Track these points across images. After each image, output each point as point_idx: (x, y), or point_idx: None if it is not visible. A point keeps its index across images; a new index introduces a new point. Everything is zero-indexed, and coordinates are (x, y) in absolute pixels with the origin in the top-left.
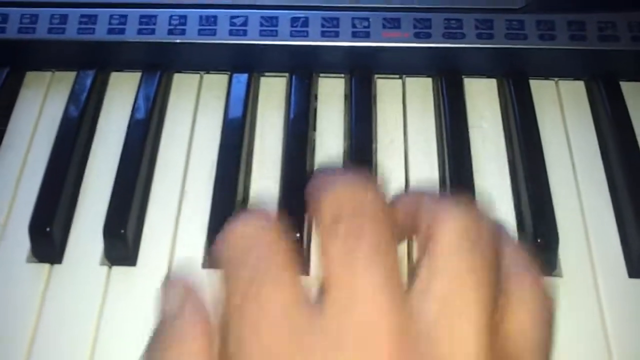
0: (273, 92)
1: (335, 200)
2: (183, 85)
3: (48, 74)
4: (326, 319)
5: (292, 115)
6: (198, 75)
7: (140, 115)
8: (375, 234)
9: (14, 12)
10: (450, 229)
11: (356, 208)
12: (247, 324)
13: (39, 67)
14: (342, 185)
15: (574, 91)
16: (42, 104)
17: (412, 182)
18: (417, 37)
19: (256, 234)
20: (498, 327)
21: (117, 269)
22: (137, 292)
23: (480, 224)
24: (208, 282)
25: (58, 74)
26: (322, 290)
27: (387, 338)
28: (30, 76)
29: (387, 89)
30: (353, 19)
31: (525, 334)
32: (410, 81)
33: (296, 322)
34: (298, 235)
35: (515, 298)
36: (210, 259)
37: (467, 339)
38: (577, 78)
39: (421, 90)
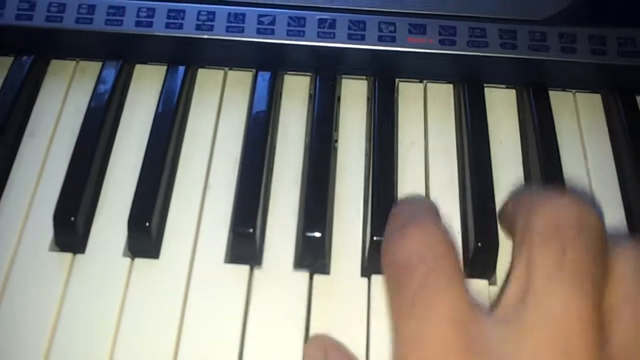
0: (296, 89)
1: (555, 210)
2: (207, 81)
3: (72, 63)
4: (509, 333)
5: (316, 116)
6: (222, 71)
7: (166, 108)
8: (590, 256)
9: (42, 0)
10: (626, 258)
11: (575, 225)
12: (418, 325)
13: (64, 56)
14: (570, 202)
15: (591, 103)
16: (66, 92)
17: (432, 183)
18: (442, 43)
19: (426, 242)
20: None
21: (139, 261)
22: (159, 284)
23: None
24: (230, 276)
25: (82, 63)
26: (512, 293)
27: None
28: (55, 64)
29: (409, 93)
30: (380, 23)
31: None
32: (432, 86)
33: (467, 325)
34: (320, 235)
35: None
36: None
37: None
38: (594, 91)
39: (442, 96)
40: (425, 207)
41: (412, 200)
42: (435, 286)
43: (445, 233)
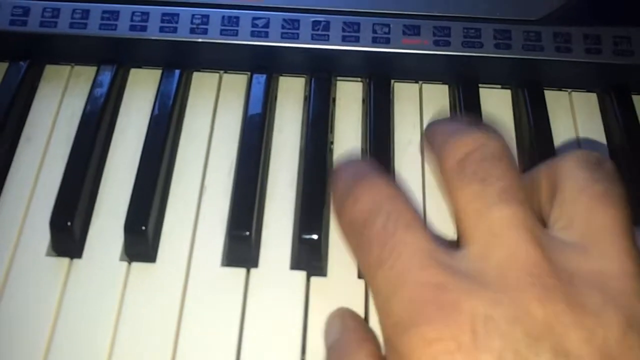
0: (291, 91)
1: (462, 145)
2: (202, 84)
3: (67, 68)
4: (468, 258)
5: (311, 118)
6: (217, 74)
7: (161, 112)
8: (504, 174)
9: (36, 6)
10: (575, 164)
11: (484, 152)
12: (392, 273)
13: (59, 61)
14: (467, 132)
15: (587, 102)
16: (61, 98)
17: (429, 181)
18: (437, 44)
19: (377, 194)
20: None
21: (136, 265)
22: (156, 288)
23: (597, 155)
24: (226, 279)
25: (77, 68)
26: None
27: (535, 268)
28: (50, 69)
29: (404, 93)
30: (374, 24)
31: None
32: (427, 87)
33: (439, 260)
34: (317, 237)
35: None
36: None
37: (619, 253)
38: (590, 90)
39: (438, 96)
40: (368, 164)
41: (353, 160)
42: (397, 230)
43: (394, 184)
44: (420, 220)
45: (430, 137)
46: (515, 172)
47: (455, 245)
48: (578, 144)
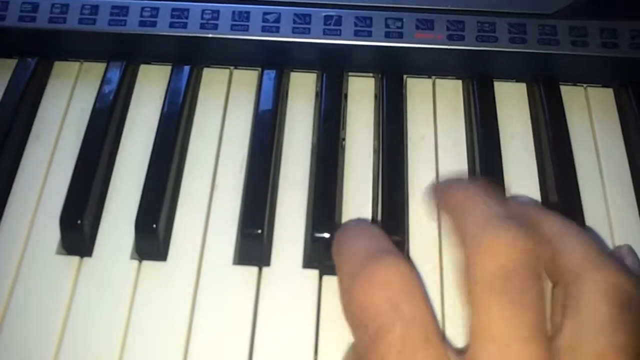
0: (302, 87)
1: (496, 251)
2: (213, 80)
3: (76, 64)
4: None
5: (323, 114)
6: (228, 70)
7: (172, 108)
8: (535, 301)
9: (45, 2)
10: (597, 288)
11: (519, 265)
12: None
13: (68, 57)
14: (502, 227)
15: (603, 98)
16: (71, 94)
17: (442, 177)
18: (450, 39)
19: (397, 288)
20: None
21: (147, 264)
22: (167, 287)
23: (630, 284)
24: (238, 277)
25: (86, 64)
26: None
27: None
28: (59, 66)
29: (417, 89)
30: (386, 19)
31: None
32: (440, 82)
33: None
34: (329, 235)
35: None
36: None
37: None
38: (606, 85)
39: (451, 91)
40: (380, 234)
41: (361, 225)
42: (417, 349)
43: (409, 271)
44: (437, 330)
45: (451, 207)
46: (542, 290)
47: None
48: (594, 139)
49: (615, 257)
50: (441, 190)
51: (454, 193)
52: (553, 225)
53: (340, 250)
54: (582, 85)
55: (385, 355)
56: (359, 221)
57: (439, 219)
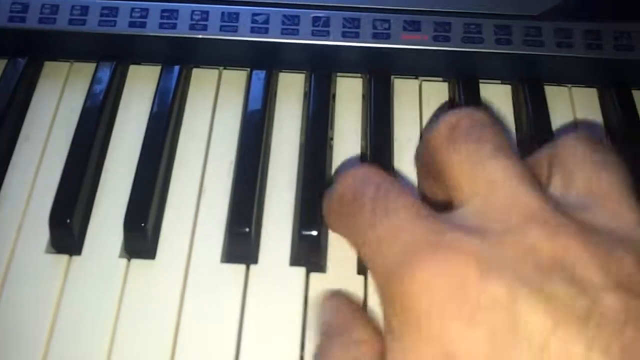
0: (291, 87)
1: (447, 120)
2: (202, 80)
3: (66, 64)
4: (465, 214)
5: (311, 114)
6: (217, 71)
7: (161, 108)
8: (496, 136)
9: (35, 2)
10: (574, 141)
11: (472, 119)
12: (383, 229)
13: (58, 57)
14: (458, 111)
15: (587, 98)
16: (61, 94)
17: None
18: (437, 40)
19: (367, 176)
20: None
21: (136, 262)
22: (156, 285)
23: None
24: (226, 275)
25: (76, 64)
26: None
27: (539, 211)
28: (49, 66)
29: (404, 89)
30: (374, 20)
31: None
32: (427, 83)
33: (434, 214)
34: (316, 233)
35: None
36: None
37: (627, 209)
38: (590, 85)
39: (438, 92)
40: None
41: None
42: (389, 196)
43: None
44: (414, 192)
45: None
46: (505, 137)
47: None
48: None
49: None
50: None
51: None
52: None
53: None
54: (566, 86)
55: (362, 215)
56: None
57: None
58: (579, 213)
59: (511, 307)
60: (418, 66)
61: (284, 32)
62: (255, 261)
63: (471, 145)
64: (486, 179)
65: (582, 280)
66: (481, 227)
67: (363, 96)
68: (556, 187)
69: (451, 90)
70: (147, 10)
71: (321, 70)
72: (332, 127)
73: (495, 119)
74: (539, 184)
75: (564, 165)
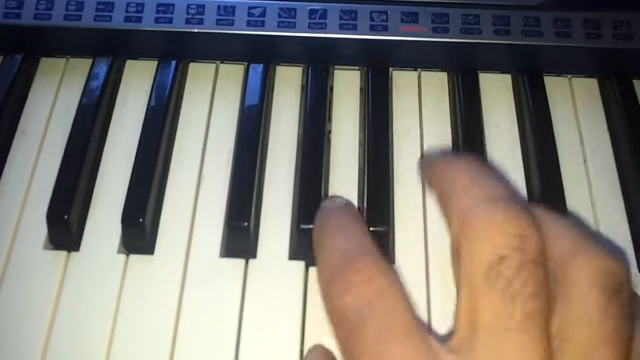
0: (288, 80)
1: (486, 240)
2: (199, 74)
3: (62, 60)
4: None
5: (308, 107)
6: (214, 65)
7: (158, 103)
8: (537, 293)
9: None
10: (587, 274)
11: (522, 257)
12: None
13: (54, 53)
14: (487, 217)
15: (587, 88)
16: (57, 90)
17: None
18: (435, 31)
19: (373, 289)
20: None
21: (134, 258)
22: (155, 280)
23: (620, 268)
24: (225, 270)
25: (72, 60)
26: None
27: None
28: (45, 62)
29: (402, 81)
30: (371, 12)
31: None
32: (426, 74)
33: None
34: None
35: None
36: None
37: None
38: (590, 75)
39: (436, 83)
40: (360, 232)
41: (342, 215)
42: (392, 343)
43: (387, 271)
44: (416, 323)
45: (438, 184)
46: (545, 283)
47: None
48: (578, 129)
49: (600, 241)
50: (427, 166)
51: (442, 169)
52: (535, 211)
53: (321, 243)
54: (566, 76)
55: (359, 351)
56: (339, 202)
57: (424, 209)
58: None
59: None
60: (416, 58)
61: (281, 25)
62: (254, 255)
63: (505, 304)
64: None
65: None
66: None
67: (361, 89)
68: (553, 335)
69: (450, 81)
70: (142, 4)
71: (318, 63)
72: (329, 120)
73: (543, 241)
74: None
75: (569, 308)
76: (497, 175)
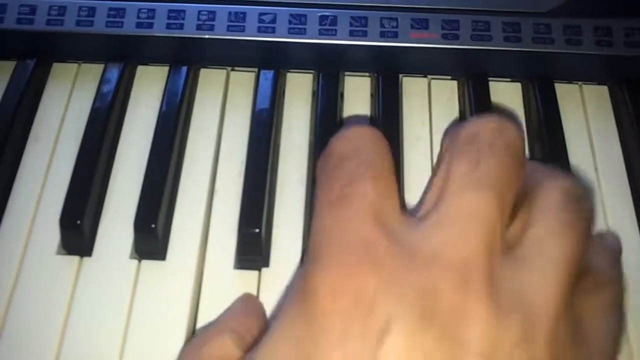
0: (299, 87)
1: (476, 125)
2: (210, 80)
3: (74, 65)
4: (417, 231)
5: (319, 114)
6: (225, 71)
7: (169, 109)
8: (503, 167)
9: (42, 4)
10: (555, 188)
11: (494, 136)
12: (335, 217)
13: (66, 59)
14: (491, 118)
15: (598, 95)
16: (69, 95)
17: None
18: (445, 38)
19: (363, 140)
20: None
21: (146, 263)
22: (167, 286)
23: (583, 192)
24: (238, 276)
25: (84, 65)
26: (428, 203)
27: (480, 258)
28: (57, 67)
29: (412, 88)
30: (382, 18)
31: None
32: (436, 81)
33: (384, 222)
34: None
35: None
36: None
37: (548, 288)
38: (601, 82)
39: (446, 91)
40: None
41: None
42: (363, 178)
43: (385, 141)
44: (392, 178)
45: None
46: (510, 170)
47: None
48: (589, 137)
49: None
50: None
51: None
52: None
53: (324, 165)
54: (577, 83)
55: (332, 185)
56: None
57: None
58: (512, 268)
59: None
60: (427, 65)
61: (291, 32)
62: (267, 264)
63: (466, 166)
64: (451, 210)
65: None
66: (413, 255)
67: (371, 95)
68: (515, 228)
69: (460, 89)
70: (154, 10)
71: (329, 70)
72: (340, 127)
73: (522, 149)
74: (499, 233)
75: (532, 208)
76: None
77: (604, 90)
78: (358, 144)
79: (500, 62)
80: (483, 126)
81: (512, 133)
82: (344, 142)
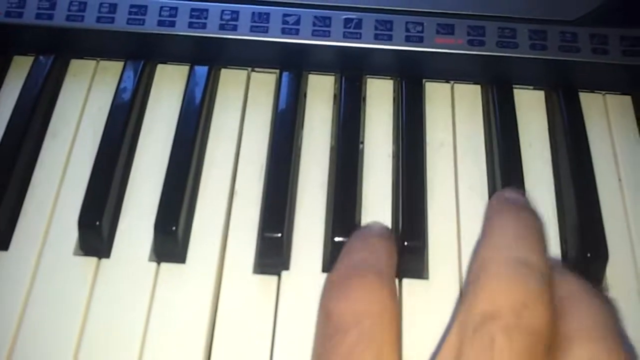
0: (320, 89)
1: (493, 294)
2: (231, 81)
3: (93, 62)
4: None
5: (341, 117)
6: (246, 72)
7: (190, 109)
8: (527, 352)
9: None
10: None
11: (516, 316)
12: None
13: (85, 55)
14: (506, 275)
15: (622, 105)
16: (87, 92)
17: (461, 185)
18: (471, 44)
19: (367, 301)
20: None
21: (165, 266)
22: (187, 289)
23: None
24: (258, 280)
25: (103, 62)
26: None
27: None
28: (75, 64)
29: (435, 93)
30: (407, 23)
31: None
32: (459, 87)
33: None
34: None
35: None
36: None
37: None
38: (624, 92)
39: (469, 96)
40: (382, 252)
41: (370, 236)
42: (365, 356)
43: (388, 293)
44: (394, 347)
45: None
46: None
47: None
48: (613, 147)
49: (620, 331)
50: (493, 202)
51: (499, 209)
52: (570, 286)
53: (341, 256)
54: (600, 93)
55: (329, 357)
56: (375, 226)
57: (458, 225)
58: None
59: None
60: (451, 70)
61: (315, 34)
62: (287, 267)
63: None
64: None
65: None
66: None
67: (394, 98)
68: None
69: (484, 94)
70: (176, 9)
71: (352, 72)
72: (362, 130)
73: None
74: None
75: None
76: (542, 239)
77: (627, 100)
78: (357, 306)
79: (526, 69)
80: (503, 299)
81: (540, 308)
82: (344, 299)
